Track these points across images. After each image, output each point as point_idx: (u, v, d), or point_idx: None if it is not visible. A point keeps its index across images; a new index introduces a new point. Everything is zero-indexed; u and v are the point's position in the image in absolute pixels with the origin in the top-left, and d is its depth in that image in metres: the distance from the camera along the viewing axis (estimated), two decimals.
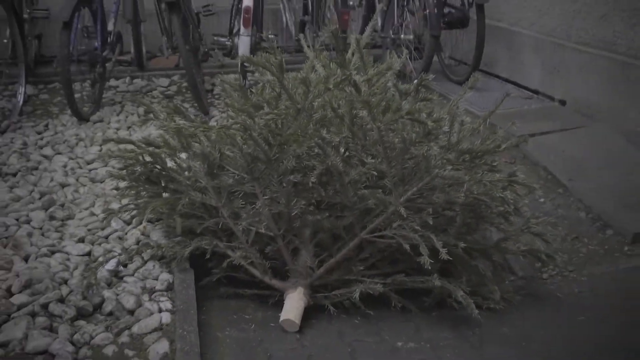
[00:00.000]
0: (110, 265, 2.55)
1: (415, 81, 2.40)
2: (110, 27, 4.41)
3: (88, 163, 3.59)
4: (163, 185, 2.70)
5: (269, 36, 3.94)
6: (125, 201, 2.91)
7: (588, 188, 3.45)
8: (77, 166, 3.55)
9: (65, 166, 3.53)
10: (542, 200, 3.46)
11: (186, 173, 2.64)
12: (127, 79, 5.03)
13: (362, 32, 4.79)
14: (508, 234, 2.66)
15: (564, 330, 2.52)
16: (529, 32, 4.86)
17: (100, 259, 2.59)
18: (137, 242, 2.76)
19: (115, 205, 2.98)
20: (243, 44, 4.44)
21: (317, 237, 2.55)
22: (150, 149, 2.64)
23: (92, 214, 3.01)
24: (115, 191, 3.16)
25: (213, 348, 2.30)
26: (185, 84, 4.95)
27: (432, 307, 2.61)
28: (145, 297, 2.44)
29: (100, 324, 2.28)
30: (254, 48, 4.61)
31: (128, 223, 2.90)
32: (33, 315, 2.26)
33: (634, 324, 2.54)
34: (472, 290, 2.53)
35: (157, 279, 2.54)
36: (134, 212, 2.82)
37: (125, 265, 2.61)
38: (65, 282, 2.46)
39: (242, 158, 2.47)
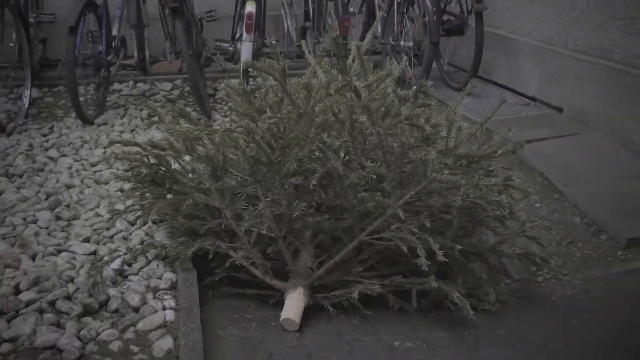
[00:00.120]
0: (116, 264, 2.60)
1: (414, 87, 2.44)
2: (114, 31, 4.44)
3: (93, 165, 3.64)
4: (167, 186, 2.74)
5: (272, 42, 3.97)
6: (130, 202, 2.95)
7: (583, 194, 3.48)
8: (82, 168, 3.59)
9: (70, 168, 3.58)
10: (537, 205, 3.49)
11: (190, 175, 2.67)
12: (131, 83, 5.06)
13: (362, 38, 4.85)
14: (504, 237, 2.69)
15: (558, 332, 2.54)
16: (526, 40, 4.88)
17: (106, 258, 2.65)
18: (142, 242, 2.80)
19: (119, 206, 3.03)
20: (245, 49, 4.47)
21: (317, 239, 2.59)
22: (155, 151, 2.67)
23: (97, 215, 3.06)
24: (119, 192, 3.21)
25: (215, 345, 2.33)
26: (187, 89, 4.99)
27: (429, 308, 2.64)
28: (150, 296, 2.48)
29: (106, 321, 2.32)
30: (256, 53, 4.65)
31: (132, 224, 2.95)
32: (41, 311, 2.30)
33: (627, 326, 2.57)
34: (468, 292, 2.56)
35: (161, 278, 2.59)
36: (139, 212, 2.86)
37: (130, 265, 2.65)
38: (72, 280, 2.50)
39: (245, 161, 2.51)
